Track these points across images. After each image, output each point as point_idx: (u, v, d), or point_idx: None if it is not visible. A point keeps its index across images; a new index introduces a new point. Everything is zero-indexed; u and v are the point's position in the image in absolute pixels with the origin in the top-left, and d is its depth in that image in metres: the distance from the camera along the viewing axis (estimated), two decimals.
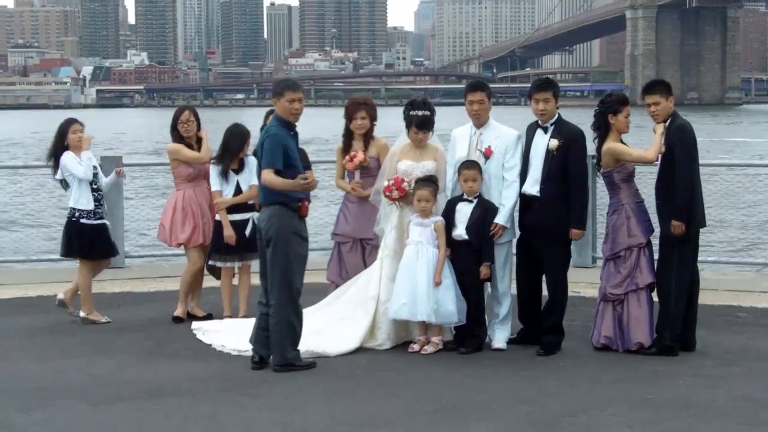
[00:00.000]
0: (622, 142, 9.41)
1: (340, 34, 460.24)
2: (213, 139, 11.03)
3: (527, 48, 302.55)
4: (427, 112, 9.64)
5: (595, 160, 9.82)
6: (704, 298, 10.24)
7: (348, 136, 10.26)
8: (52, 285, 12.45)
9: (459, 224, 9.41)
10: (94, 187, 10.73)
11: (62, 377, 8.60)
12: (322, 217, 16.85)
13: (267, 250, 8.82)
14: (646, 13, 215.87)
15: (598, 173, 9.68)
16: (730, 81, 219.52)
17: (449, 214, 9.46)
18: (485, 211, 9.38)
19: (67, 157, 10.64)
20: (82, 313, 10.72)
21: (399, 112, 9.96)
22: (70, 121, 10.85)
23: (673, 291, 9.23)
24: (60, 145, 10.74)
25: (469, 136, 9.63)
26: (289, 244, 8.78)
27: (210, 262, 10.81)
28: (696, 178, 9.33)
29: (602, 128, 9.42)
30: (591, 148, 9.75)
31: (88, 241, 10.72)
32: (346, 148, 10.22)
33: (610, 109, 9.39)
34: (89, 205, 10.68)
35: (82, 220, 10.70)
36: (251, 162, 10.42)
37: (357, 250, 10.14)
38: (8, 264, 15.49)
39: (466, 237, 9.36)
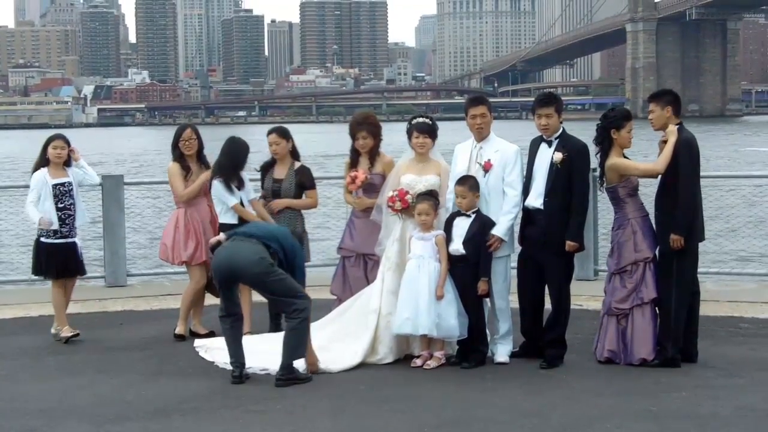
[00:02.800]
0: (624, 156, 9.42)
1: (341, 51, 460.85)
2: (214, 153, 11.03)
3: (528, 62, 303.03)
4: (427, 120, 9.80)
5: (597, 174, 9.79)
6: (706, 309, 10.25)
7: (354, 153, 10.30)
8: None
9: (456, 239, 9.40)
10: (60, 206, 10.63)
11: (66, 397, 8.59)
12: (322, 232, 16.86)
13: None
14: (646, 26, 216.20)
15: (601, 187, 9.65)
16: (731, 93, 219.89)
17: (447, 229, 9.47)
18: (483, 225, 9.36)
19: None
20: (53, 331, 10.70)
21: (401, 127, 10.01)
22: (52, 137, 10.84)
23: (674, 302, 9.21)
24: (41, 160, 10.73)
25: (470, 150, 9.66)
26: None
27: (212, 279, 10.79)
28: (697, 192, 9.33)
29: (605, 143, 9.40)
30: (593, 161, 9.75)
31: (45, 260, 10.66)
32: (353, 164, 10.28)
33: (613, 123, 9.37)
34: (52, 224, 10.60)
35: (42, 239, 10.65)
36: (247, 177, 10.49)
37: (360, 264, 10.19)
38: (9, 284, 15.43)
39: (463, 252, 9.36)
